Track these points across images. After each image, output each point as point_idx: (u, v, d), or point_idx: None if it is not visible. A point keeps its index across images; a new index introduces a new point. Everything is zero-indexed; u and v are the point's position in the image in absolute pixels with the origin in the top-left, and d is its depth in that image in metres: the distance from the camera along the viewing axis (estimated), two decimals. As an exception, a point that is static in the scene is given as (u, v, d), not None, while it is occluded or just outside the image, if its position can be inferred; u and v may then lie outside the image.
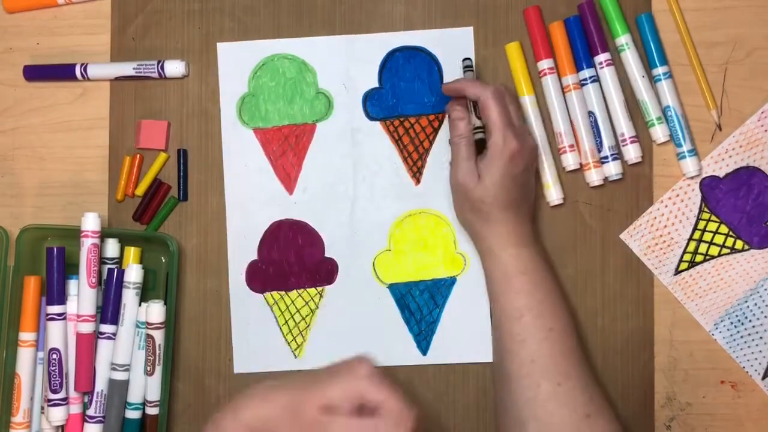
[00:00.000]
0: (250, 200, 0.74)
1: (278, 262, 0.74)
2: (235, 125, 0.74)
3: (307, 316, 0.73)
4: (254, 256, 0.74)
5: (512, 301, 0.66)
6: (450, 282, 0.73)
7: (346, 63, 0.74)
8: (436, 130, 0.74)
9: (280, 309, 0.73)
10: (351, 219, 0.73)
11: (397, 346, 0.73)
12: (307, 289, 0.73)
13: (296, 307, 0.73)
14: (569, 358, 0.64)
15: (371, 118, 0.74)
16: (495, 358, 0.69)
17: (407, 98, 0.74)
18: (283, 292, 0.74)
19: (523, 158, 0.66)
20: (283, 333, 0.73)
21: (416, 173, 0.74)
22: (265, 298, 0.74)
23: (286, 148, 0.74)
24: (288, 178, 0.74)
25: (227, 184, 0.74)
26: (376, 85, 0.74)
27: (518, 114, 0.68)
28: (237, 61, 0.74)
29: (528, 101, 0.72)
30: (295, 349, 0.73)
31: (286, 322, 0.73)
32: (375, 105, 0.74)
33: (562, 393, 0.62)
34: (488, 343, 0.72)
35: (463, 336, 0.73)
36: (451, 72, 0.73)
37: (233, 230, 0.74)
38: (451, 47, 0.74)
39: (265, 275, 0.74)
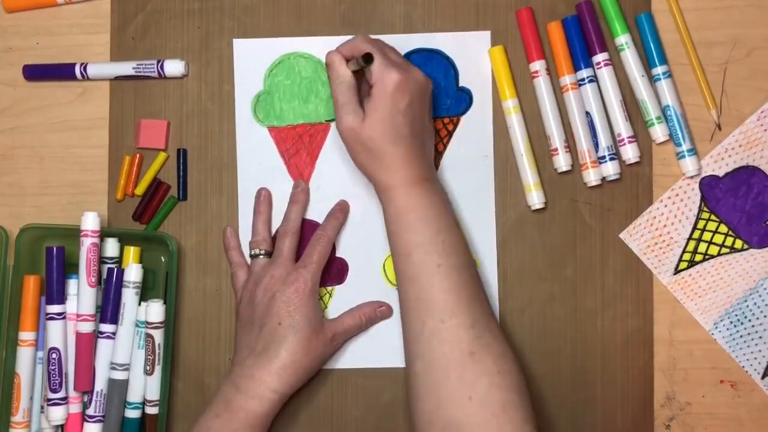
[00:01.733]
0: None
1: None
2: (249, 123, 0.74)
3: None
4: (265, 255, 0.74)
5: (402, 239, 0.65)
6: None
7: None
8: (450, 133, 0.74)
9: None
10: (363, 219, 0.73)
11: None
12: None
13: None
14: (457, 295, 0.63)
15: None
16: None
17: None
18: None
19: (407, 90, 0.65)
20: None
21: None
22: None
23: (300, 147, 0.74)
24: (301, 177, 0.74)
25: (240, 182, 0.74)
26: None
27: (398, 54, 0.69)
28: (253, 59, 0.74)
29: (511, 104, 0.72)
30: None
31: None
32: None
33: (445, 330, 0.62)
34: None
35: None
36: (468, 75, 0.73)
37: (245, 228, 0.74)
38: (468, 51, 0.74)
39: None
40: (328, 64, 0.68)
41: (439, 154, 0.73)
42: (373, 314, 0.72)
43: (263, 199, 0.73)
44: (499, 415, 0.59)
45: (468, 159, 0.73)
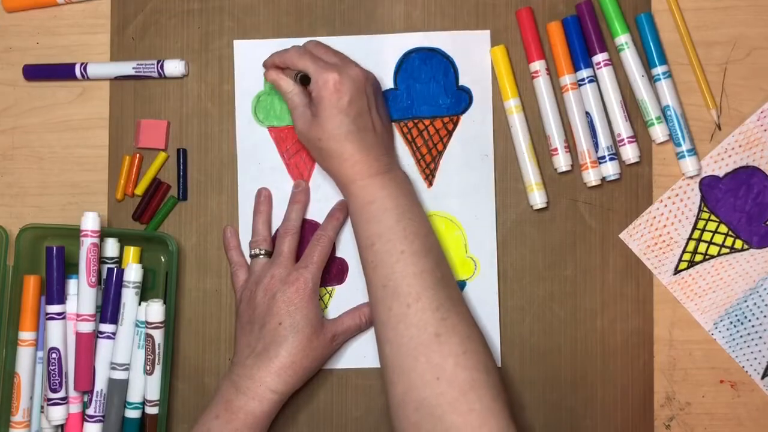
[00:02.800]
0: None
1: None
2: (249, 123, 0.74)
3: None
4: (266, 255, 0.74)
5: (364, 230, 0.67)
6: (459, 286, 0.73)
7: (362, 62, 0.74)
8: (450, 133, 0.74)
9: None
10: None
11: None
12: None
13: None
14: (422, 279, 0.64)
15: None
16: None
17: (422, 100, 0.74)
18: None
19: (344, 90, 0.66)
20: None
21: (429, 175, 0.74)
22: None
23: (300, 147, 0.74)
24: (301, 177, 0.74)
25: (240, 182, 0.74)
26: (391, 85, 0.74)
27: (335, 54, 0.70)
28: (253, 59, 0.74)
29: (512, 104, 0.72)
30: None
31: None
32: (390, 106, 0.74)
33: (411, 314, 0.63)
34: (496, 347, 0.72)
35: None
36: (467, 74, 0.73)
37: (245, 228, 0.74)
38: (468, 50, 0.74)
39: None
40: (271, 81, 0.70)
41: (439, 154, 0.73)
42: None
43: (263, 198, 0.73)
44: (467, 392, 0.60)
45: (468, 158, 0.73)
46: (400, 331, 0.63)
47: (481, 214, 0.73)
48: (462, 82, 0.74)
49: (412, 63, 0.74)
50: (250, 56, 0.74)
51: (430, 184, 0.74)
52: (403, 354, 0.63)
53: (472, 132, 0.74)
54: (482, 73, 0.74)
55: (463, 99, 0.74)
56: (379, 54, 0.74)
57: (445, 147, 0.74)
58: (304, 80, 0.68)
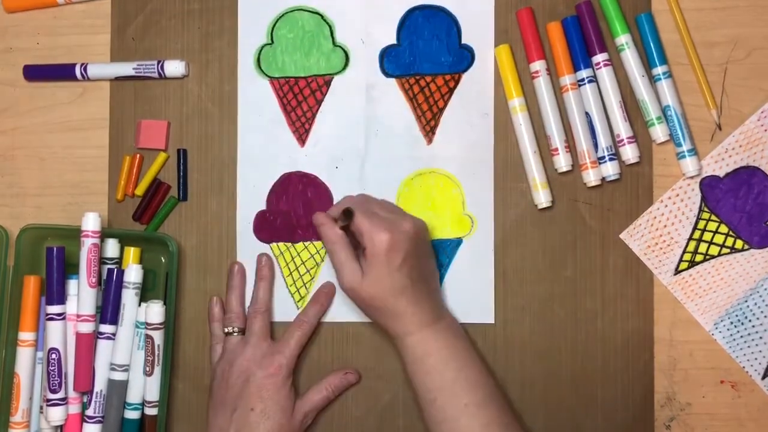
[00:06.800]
0: (262, 150, 0.74)
1: (286, 213, 0.74)
2: (251, 75, 0.74)
3: (312, 268, 0.73)
4: (263, 206, 0.74)
5: (424, 383, 0.65)
6: (456, 243, 0.73)
7: (365, 18, 0.74)
8: (451, 90, 0.73)
9: (285, 260, 0.74)
10: (361, 175, 0.73)
11: None
12: (314, 242, 0.74)
13: (301, 260, 0.74)
14: (489, 431, 0.63)
15: (387, 74, 0.74)
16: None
17: (424, 57, 0.74)
18: (289, 244, 0.74)
19: (399, 248, 0.65)
20: (287, 284, 0.74)
21: (429, 132, 0.74)
22: (272, 249, 0.74)
23: (301, 100, 0.74)
24: (301, 130, 0.74)
25: (240, 134, 0.74)
26: (394, 42, 0.74)
27: (385, 207, 0.69)
28: (257, 11, 0.74)
29: (517, 103, 0.72)
30: (298, 301, 0.74)
31: (291, 273, 0.74)
32: (392, 62, 0.74)
33: None
34: (491, 306, 0.72)
35: (467, 297, 0.73)
36: (470, 33, 0.73)
37: (243, 180, 0.74)
38: (472, 8, 0.74)
39: (273, 226, 0.74)
40: (317, 225, 0.69)
41: (439, 111, 0.73)
42: (339, 383, 0.72)
43: (236, 273, 0.73)
44: None
45: (468, 116, 0.73)
46: None
47: (479, 172, 0.73)
48: (465, 40, 0.74)
49: (416, 20, 0.74)
50: (254, 7, 0.74)
51: (430, 141, 0.74)
52: None
53: (473, 90, 0.73)
54: (485, 32, 0.73)
55: (465, 57, 0.74)
56: (384, 9, 0.74)
57: (445, 104, 0.74)
58: (348, 214, 0.66)
